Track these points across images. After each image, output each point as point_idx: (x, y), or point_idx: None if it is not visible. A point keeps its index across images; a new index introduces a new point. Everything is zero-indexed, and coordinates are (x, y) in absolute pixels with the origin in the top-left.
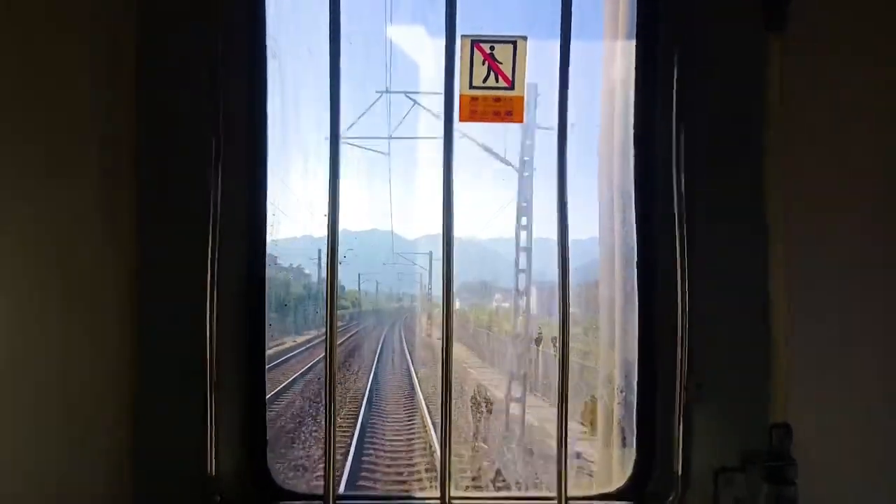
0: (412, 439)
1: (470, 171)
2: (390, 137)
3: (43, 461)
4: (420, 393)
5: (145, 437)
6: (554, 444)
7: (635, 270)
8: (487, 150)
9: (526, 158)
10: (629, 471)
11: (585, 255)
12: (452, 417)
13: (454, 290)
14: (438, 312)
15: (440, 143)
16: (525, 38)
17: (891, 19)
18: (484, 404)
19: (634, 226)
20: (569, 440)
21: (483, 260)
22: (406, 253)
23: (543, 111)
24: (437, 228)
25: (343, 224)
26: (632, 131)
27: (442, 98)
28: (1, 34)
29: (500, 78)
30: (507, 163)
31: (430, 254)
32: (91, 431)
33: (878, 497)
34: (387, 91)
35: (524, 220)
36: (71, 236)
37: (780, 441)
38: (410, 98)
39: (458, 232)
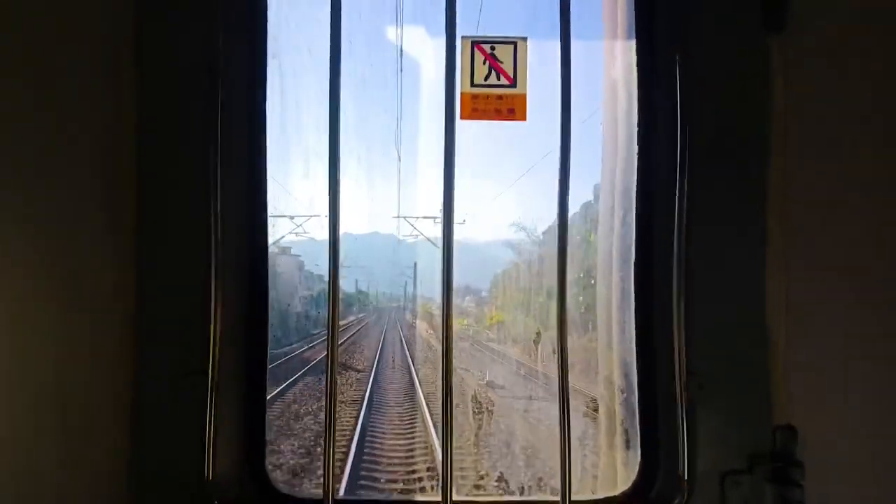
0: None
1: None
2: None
3: (40, 463)
4: (401, 335)
5: (143, 439)
6: None
7: (633, 270)
8: None
9: None
10: (633, 473)
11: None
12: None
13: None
14: (422, 310)
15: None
16: (525, 39)
17: (891, 19)
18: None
19: (633, 226)
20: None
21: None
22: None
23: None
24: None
25: (344, 227)
26: (634, 131)
27: (443, 97)
28: (0, 35)
29: (501, 76)
30: None
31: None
32: (89, 433)
33: (887, 498)
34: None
35: None
36: (70, 236)
37: (785, 443)
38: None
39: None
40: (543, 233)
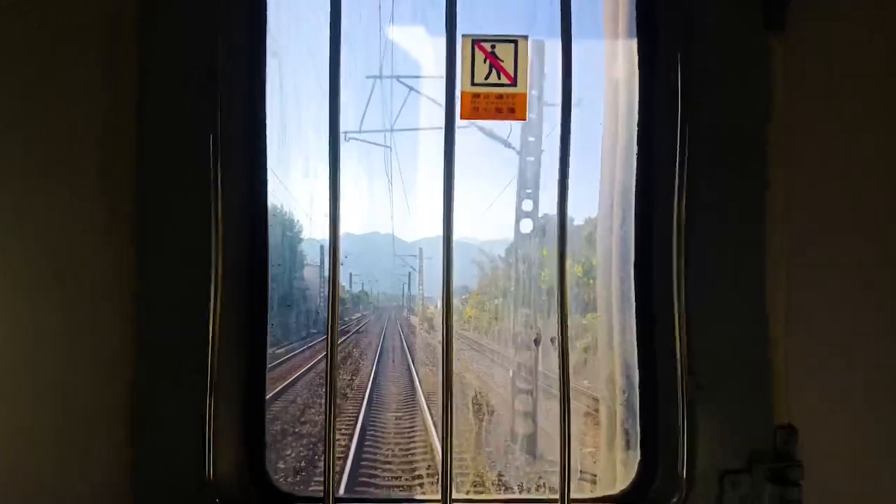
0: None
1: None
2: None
3: (40, 463)
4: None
5: (144, 438)
6: None
7: (633, 270)
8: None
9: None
10: (633, 473)
11: None
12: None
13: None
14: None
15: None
16: (526, 38)
17: (892, 19)
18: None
19: (633, 225)
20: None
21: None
22: (404, 255)
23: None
24: (436, 231)
25: (344, 227)
26: (634, 130)
27: (443, 96)
28: (1, 35)
29: (502, 75)
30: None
31: (420, 251)
32: (89, 433)
33: (886, 498)
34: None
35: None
36: (70, 236)
37: (785, 442)
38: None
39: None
40: (501, 256)
